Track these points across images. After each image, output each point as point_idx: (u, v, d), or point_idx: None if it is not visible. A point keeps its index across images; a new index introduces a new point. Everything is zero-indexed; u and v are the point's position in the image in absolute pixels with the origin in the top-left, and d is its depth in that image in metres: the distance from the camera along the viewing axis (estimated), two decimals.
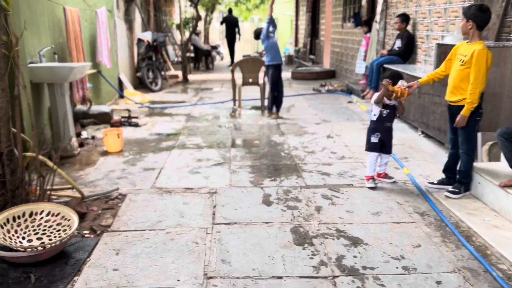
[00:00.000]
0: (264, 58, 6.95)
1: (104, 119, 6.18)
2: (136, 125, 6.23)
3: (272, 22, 6.73)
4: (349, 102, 8.19)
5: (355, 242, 3.00)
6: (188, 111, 7.57)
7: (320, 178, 4.21)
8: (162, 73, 11.87)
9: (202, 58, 15.37)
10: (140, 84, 9.93)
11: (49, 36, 5.21)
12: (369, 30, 8.54)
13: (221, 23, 16.96)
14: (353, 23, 9.80)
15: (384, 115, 3.89)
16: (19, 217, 2.84)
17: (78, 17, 5.83)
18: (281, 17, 25.97)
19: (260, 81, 7.79)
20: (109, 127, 6.07)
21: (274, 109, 7.04)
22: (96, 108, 6.23)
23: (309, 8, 14.91)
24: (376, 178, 4.07)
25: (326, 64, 13.12)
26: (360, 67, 9.16)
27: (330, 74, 11.96)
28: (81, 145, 5.29)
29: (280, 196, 3.76)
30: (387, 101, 3.86)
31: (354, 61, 10.09)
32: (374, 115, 3.92)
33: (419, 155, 4.91)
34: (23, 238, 2.78)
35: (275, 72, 6.81)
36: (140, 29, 11.60)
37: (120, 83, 8.72)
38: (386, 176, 4.11)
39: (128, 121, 6.24)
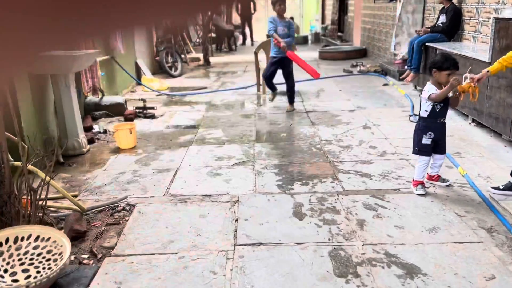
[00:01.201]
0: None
1: (117, 110, 5.69)
2: (152, 116, 5.72)
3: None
4: (385, 84, 7.47)
5: (411, 271, 2.40)
6: (208, 99, 7.02)
7: (360, 181, 3.61)
8: (182, 56, 11.33)
9: (224, 39, 14.72)
10: (160, 69, 9.41)
11: None
12: None
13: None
14: None
15: (437, 110, 3.22)
16: (1, 244, 2.36)
17: None
18: None
19: None
20: (123, 120, 5.58)
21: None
22: (108, 99, 5.75)
23: None
24: (427, 181, 3.44)
25: (357, 42, 12.28)
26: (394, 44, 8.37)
27: (361, 53, 11.16)
28: (91, 141, 4.82)
29: (314, 206, 3.18)
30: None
31: (388, 39, 9.29)
32: (426, 111, 3.25)
33: (474, 150, 4.23)
34: (5, 271, 2.30)
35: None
36: None
37: (138, 69, 8.22)
38: (439, 178, 3.47)
39: (144, 112, 5.74)
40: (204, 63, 11.11)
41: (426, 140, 3.26)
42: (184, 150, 4.54)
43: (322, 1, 17.59)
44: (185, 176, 3.84)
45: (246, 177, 3.77)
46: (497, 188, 3.26)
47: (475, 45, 5.62)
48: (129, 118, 5.52)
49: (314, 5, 23.63)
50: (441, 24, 6.10)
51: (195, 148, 4.59)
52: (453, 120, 5.17)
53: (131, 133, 4.62)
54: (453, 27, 6.01)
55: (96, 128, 5.25)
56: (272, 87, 6.27)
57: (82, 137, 4.52)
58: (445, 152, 3.40)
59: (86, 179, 3.86)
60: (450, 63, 3.14)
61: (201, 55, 11.42)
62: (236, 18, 19.20)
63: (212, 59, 11.93)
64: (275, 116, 5.81)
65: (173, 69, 9.28)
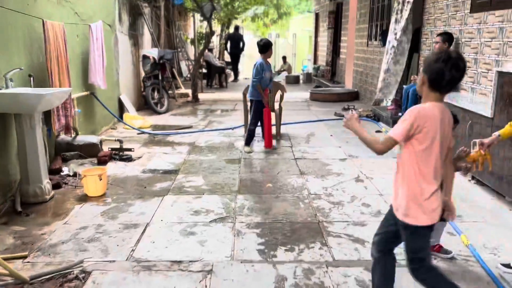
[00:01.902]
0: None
1: (91, 151, 5.27)
2: (129, 159, 5.30)
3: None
4: (378, 131, 7.17)
5: None
6: (193, 139, 6.64)
7: (353, 248, 3.19)
8: (171, 92, 11.04)
9: (215, 75, 14.51)
10: (146, 105, 9.06)
11: (23, 55, 4.35)
12: None
13: (226, 41, 16.42)
14: (380, 42, 8.81)
15: None
16: None
17: (62, 33, 4.97)
18: (299, 32, 25.19)
19: (277, 106, 6.85)
20: (96, 162, 5.15)
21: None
22: (82, 139, 5.33)
23: (331, 24, 13.99)
24: None
25: (349, 85, 12.12)
26: (382, 93, 8.16)
27: (353, 96, 10.96)
28: (57, 186, 4.37)
29: (299, 281, 2.75)
30: None
31: None
32: None
33: (476, 213, 3.85)
34: None
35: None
36: (150, 45, 10.82)
37: (121, 105, 7.86)
38: (441, 249, 3.07)
39: (119, 154, 5.32)
40: (192, 99, 10.81)
41: None
42: (158, 200, 4.11)
43: (315, 42, 17.62)
44: (155, 234, 3.39)
45: (224, 239, 3.33)
46: (508, 266, 2.86)
47: (473, 96, 5.36)
48: (103, 161, 5.10)
49: (307, 45, 23.82)
50: None
51: (170, 199, 4.16)
52: None
53: (100, 179, 4.19)
54: None
55: (65, 170, 4.81)
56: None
57: (46, 183, 4.07)
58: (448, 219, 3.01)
59: (42, 234, 3.39)
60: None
61: (190, 91, 11.13)
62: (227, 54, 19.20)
63: (202, 96, 11.65)
64: (261, 162, 5.43)
65: (159, 105, 8.93)
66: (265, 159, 5.58)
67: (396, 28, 7.29)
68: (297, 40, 23.98)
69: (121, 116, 7.60)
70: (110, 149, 5.40)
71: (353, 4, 11.64)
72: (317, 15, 17.18)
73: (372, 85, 9.75)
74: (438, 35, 5.81)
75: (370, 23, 10.00)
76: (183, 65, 16.08)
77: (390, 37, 7.48)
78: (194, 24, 14.48)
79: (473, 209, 3.91)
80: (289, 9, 23.43)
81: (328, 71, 14.42)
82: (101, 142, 5.41)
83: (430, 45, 6.69)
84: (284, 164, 5.36)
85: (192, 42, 15.30)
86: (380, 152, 2.13)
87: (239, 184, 4.61)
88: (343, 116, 8.61)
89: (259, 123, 6.10)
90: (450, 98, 5.20)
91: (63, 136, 5.24)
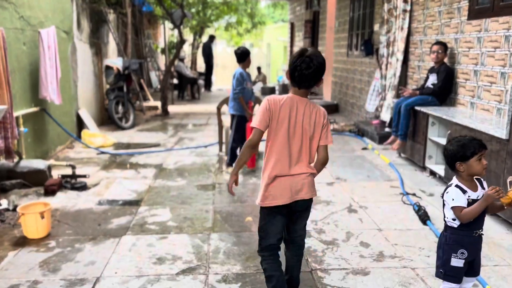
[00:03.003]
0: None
1: (37, 179, 4.46)
2: (83, 187, 4.52)
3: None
4: (364, 148, 6.58)
5: None
6: (160, 160, 5.89)
7: None
8: (139, 104, 10.24)
9: (187, 86, 13.77)
10: (110, 119, 8.24)
11: None
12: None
13: (203, 50, 15.97)
14: (363, 51, 8.30)
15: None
16: None
17: (1, 40, 4.18)
18: (273, 42, 24.74)
19: None
20: (43, 192, 4.35)
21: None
22: (26, 164, 4.52)
23: (307, 34, 13.48)
24: None
25: (327, 97, 11.61)
26: (373, 105, 7.63)
27: (332, 108, 10.41)
28: None
29: None
30: (474, 195, 2.23)
31: (363, 96, 8.57)
32: (454, 219, 2.26)
33: (495, 254, 3.26)
34: None
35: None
36: (116, 54, 10.02)
37: (80, 121, 7.04)
38: None
39: (71, 182, 4.53)
40: (162, 113, 10.04)
41: (456, 262, 2.25)
42: (113, 243, 3.36)
43: (291, 52, 17.12)
44: None
45: None
46: None
47: (473, 112, 4.83)
48: (51, 190, 4.30)
49: (282, 54, 23.37)
50: (431, 86, 5.33)
51: (129, 240, 3.41)
52: None
53: (43, 217, 3.41)
54: (445, 89, 5.24)
55: (3, 203, 4.00)
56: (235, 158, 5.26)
57: None
58: (479, 274, 2.40)
59: None
60: (474, 146, 2.20)
61: (160, 103, 10.36)
62: (200, 64, 18.50)
63: (172, 108, 10.90)
64: (239, 188, 4.72)
65: (124, 120, 8.14)
66: (243, 184, 4.89)
67: (391, 38, 6.76)
68: (271, 50, 23.51)
69: (80, 133, 6.78)
70: (60, 176, 4.60)
71: (331, 13, 11.15)
72: (292, 25, 16.71)
73: (354, 97, 9.23)
74: (437, 43, 5.29)
75: (350, 32, 9.50)
76: (153, 75, 15.28)
77: (383, 50, 6.95)
78: (165, 32, 13.76)
79: (490, 249, 3.32)
80: (263, 18, 22.95)
81: None
82: (49, 167, 4.61)
83: (420, 55, 6.18)
84: None
85: (163, 51, 14.55)
86: (253, 143, 2.29)
87: (213, 218, 3.91)
88: None
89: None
90: (448, 114, 4.66)
91: (3, 162, 4.42)
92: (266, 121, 2.27)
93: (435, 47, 5.22)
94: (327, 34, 11.56)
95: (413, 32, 6.41)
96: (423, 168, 5.29)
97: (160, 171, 5.36)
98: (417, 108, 5.27)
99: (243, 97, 5.21)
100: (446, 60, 5.32)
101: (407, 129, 5.43)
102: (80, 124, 7.06)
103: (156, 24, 16.81)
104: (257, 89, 15.23)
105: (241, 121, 5.29)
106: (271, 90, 15.31)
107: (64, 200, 4.26)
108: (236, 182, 2.37)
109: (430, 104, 5.28)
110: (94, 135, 6.55)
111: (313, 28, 13.33)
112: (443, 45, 5.22)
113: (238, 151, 5.32)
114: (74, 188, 4.46)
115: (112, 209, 4.09)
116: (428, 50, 5.74)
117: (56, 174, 4.75)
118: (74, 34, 6.89)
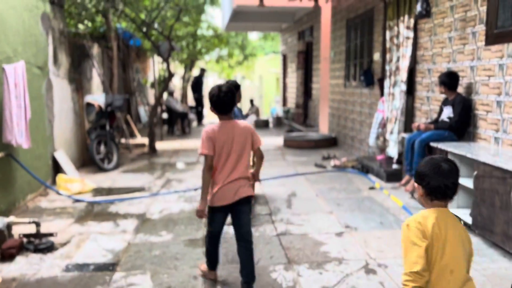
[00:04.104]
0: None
1: None
2: (48, 248, 3.80)
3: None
4: (371, 188, 5.95)
5: None
6: (143, 208, 5.20)
7: None
8: (125, 142, 9.60)
9: (177, 120, 13.19)
10: (91, 160, 7.57)
11: None
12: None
13: (194, 84, 15.71)
14: (362, 82, 7.79)
15: None
16: None
17: None
18: (265, 74, 24.44)
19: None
20: None
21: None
22: None
23: (300, 65, 13.07)
24: None
25: (324, 129, 11.05)
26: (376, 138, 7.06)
27: (330, 142, 9.85)
28: None
29: None
30: None
31: (363, 128, 8.02)
32: None
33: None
34: None
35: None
36: (101, 90, 9.44)
37: (56, 164, 6.36)
38: None
39: (34, 242, 3.82)
40: (149, 151, 9.38)
41: None
42: None
43: (284, 84, 16.71)
44: None
45: None
46: None
47: (498, 148, 4.25)
48: (8, 255, 3.59)
49: (274, 86, 23.00)
50: (447, 120, 4.76)
51: None
52: (492, 260, 3.59)
53: None
54: (463, 123, 4.68)
55: None
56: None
57: None
58: None
59: None
60: None
61: (147, 141, 9.71)
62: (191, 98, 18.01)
63: (161, 145, 10.27)
64: (232, 243, 4.03)
65: (106, 161, 7.47)
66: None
67: (393, 67, 6.25)
68: (263, 82, 23.18)
69: (54, 178, 6.09)
70: (22, 235, 3.89)
71: (325, 43, 10.74)
72: (284, 56, 16.36)
73: (353, 130, 8.67)
74: (438, 84, 4.80)
75: (347, 62, 9.03)
76: (142, 110, 14.71)
77: (387, 81, 6.44)
78: (154, 66, 13.27)
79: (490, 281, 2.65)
80: (254, 50, 22.70)
81: (300, 114, 13.38)
82: (9, 226, 3.89)
83: (428, 85, 5.65)
84: (264, 245, 4.00)
85: (153, 85, 14.02)
86: (209, 166, 2.88)
87: (202, 287, 3.21)
88: (324, 167, 7.41)
89: None
90: (472, 152, 4.06)
91: None
92: (212, 147, 2.85)
93: (438, 88, 4.73)
94: (321, 65, 11.12)
95: (420, 61, 5.90)
96: None
97: (142, 223, 4.67)
98: (433, 144, 4.68)
99: None
100: (461, 90, 4.78)
101: None
102: (57, 168, 6.38)
103: (145, 57, 16.37)
104: (250, 122, 14.69)
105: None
106: (265, 123, 14.79)
107: (24, 266, 3.54)
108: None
109: (447, 140, 4.70)
110: (71, 180, 5.85)
111: (306, 59, 12.94)
112: (444, 84, 4.73)
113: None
114: (37, 250, 3.74)
115: (81, 276, 3.38)
116: (437, 80, 5.22)
117: (18, 232, 4.04)
118: (50, 70, 6.31)
